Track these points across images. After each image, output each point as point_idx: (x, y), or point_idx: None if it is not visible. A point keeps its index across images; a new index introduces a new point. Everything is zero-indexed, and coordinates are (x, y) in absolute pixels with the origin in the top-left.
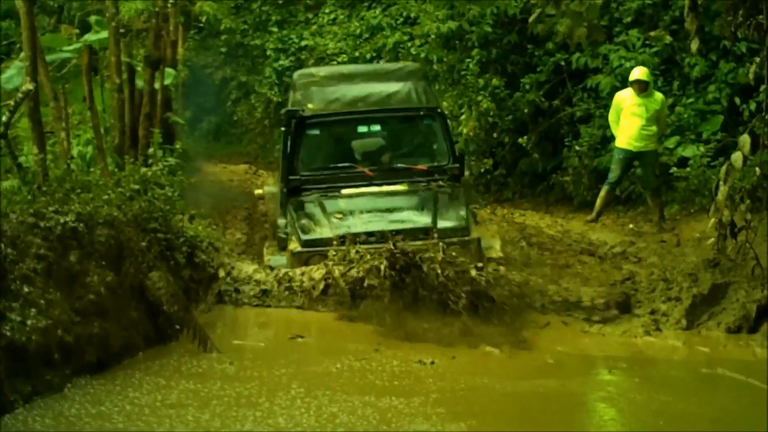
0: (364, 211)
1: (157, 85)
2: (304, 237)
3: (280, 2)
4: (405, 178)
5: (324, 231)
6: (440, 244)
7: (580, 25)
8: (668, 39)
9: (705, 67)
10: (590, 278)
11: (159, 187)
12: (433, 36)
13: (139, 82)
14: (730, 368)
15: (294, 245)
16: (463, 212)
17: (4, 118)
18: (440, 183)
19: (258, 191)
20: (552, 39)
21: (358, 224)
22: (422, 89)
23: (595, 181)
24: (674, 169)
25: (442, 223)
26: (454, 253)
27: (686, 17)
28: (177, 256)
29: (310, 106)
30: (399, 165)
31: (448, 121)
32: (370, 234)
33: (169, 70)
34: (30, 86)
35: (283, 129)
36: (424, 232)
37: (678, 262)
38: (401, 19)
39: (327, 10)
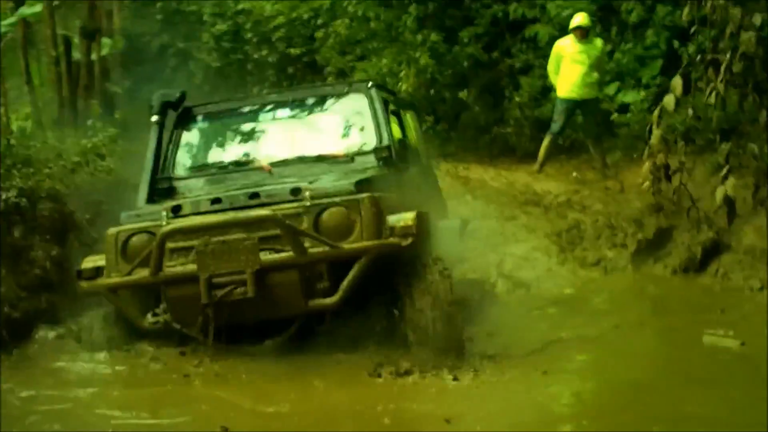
0: (223, 185)
1: (94, 56)
2: (123, 214)
3: None
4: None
5: (152, 207)
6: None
7: None
8: None
9: (642, 11)
10: (536, 228)
11: (100, 158)
12: None
13: (76, 54)
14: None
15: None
16: (359, 177)
17: None
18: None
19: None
20: None
21: (202, 193)
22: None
23: (537, 131)
24: (615, 115)
25: (319, 184)
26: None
27: None
28: None
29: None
30: (307, 155)
31: (383, 97)
32: (215, 200)
33: (105, 41)
34: None
35: (154, 119)
36: (292, 193)
37: (622, 208)
38: None
39: None
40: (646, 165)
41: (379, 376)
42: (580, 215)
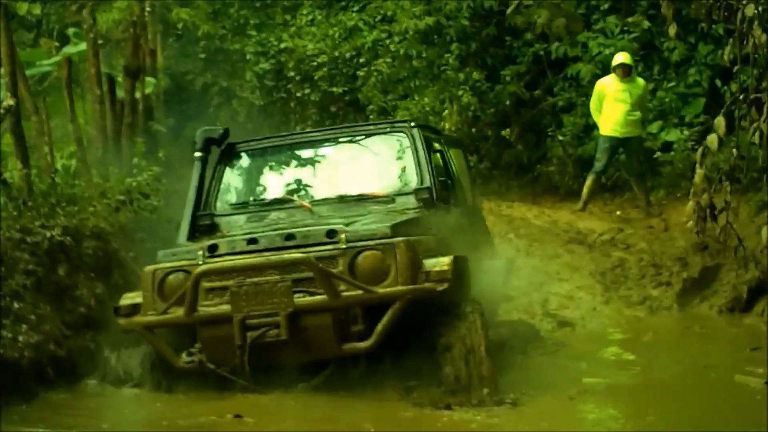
0: (261, 223)
1: (137, 95)
2: (160, 252)
3: (258, 6)
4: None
5: (189, 246)
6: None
7: (558, 16)
8: (646, 24)
9: (684, 50)
10: (580, 267)
11: (144, 197)
12: (411, 32)
13: (120, 93)
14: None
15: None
16: (396, 219)
17: None
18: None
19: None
20: (530, 30)
21: (238, 232)
22: None
23: (580, 169)
24: (658, 153)
25: (355, 226)
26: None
27: (662, 2)
28: None
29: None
30: (348, 194)
31: (426, 136)
32: (251, 241)
33: (149, 79)
34: (11, 102)
35: (197, 155)
36: (328, 235)
37: (667, 247)
38: (379, 17)
39: (305, 11)
40: (690, 204)
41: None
42: (625, 254)
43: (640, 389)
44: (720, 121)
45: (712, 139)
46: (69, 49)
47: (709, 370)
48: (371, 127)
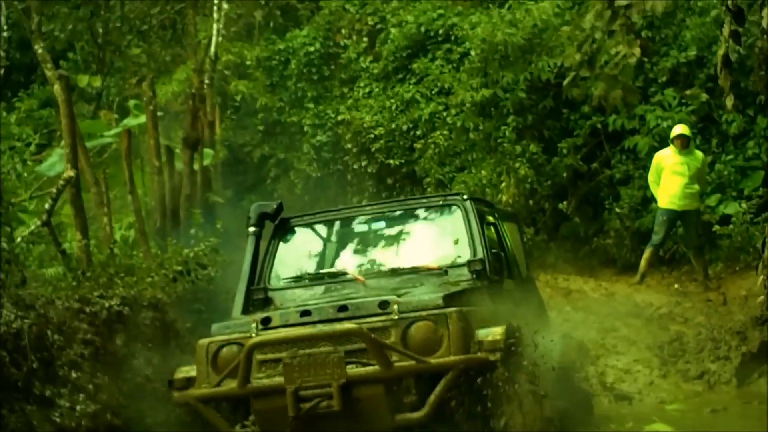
0: (315, 296)
1: (196, 166)
2: (214, 326)
3: (315, 78)
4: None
5: (243, 319)
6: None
7: (614, 88)
8: (704, 97)
9: (743, 123)
10: (637, 341)
11: (201, 268)
12: (468, 105)
13: (179, 164)
14: None
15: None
16: (449, 290)
17: (46, 206)
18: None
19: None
20: (587, 102)
21: (291, 304)
22: None
23: (637, 242)
24: (717, 227)
25: (408, 297)
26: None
27: (719, 74)
28: None
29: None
30: (401, 267)
31: (478, 209)
32: (304, 313)
33: (207, 151)
34: (71, 173)
35: (251, 230)
36: (380, 306)
37: (725, 320)
38: (435, 90)
39: (362, 84)
40: (761, 279)
41: None
42: (682, 327)
43: None
44: None
45: None
46: (129, 121)
47: None
48: (424, 200)
